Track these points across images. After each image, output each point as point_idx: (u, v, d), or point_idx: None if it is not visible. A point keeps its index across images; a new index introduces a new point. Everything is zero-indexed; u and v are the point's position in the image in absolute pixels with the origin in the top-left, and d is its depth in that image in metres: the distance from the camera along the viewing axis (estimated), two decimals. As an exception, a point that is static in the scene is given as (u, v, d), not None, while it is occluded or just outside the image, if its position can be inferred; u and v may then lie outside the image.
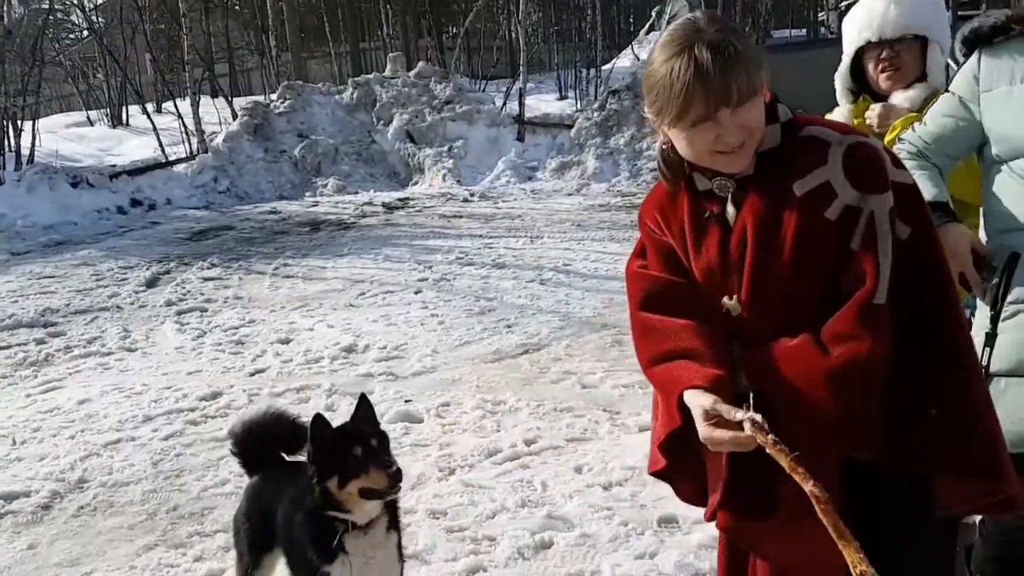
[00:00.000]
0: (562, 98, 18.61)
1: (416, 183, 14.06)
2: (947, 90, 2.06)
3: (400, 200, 12.56)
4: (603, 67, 18.52)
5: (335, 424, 2.19)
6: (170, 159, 14.06)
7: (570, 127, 14.65)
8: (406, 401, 4.48)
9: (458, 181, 13.76)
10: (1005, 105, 1.87)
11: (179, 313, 6.72)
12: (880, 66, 2.46)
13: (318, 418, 2.13)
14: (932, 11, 2.49)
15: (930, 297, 1.41)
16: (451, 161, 14.09)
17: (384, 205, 12.14)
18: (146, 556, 3.08)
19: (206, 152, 14.05)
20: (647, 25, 23.61)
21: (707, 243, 1.51)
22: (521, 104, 15.01)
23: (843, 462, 1.42)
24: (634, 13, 28.07)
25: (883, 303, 1.34)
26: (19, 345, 5.92)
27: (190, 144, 14.46)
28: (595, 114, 14.68)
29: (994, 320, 1.83)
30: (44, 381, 5.13)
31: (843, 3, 10.70)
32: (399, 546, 2.24)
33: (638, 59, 19.44)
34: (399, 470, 2.07)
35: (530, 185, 13.60)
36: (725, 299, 1.50)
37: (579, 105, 16.52)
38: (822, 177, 1.40)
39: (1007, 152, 1.87)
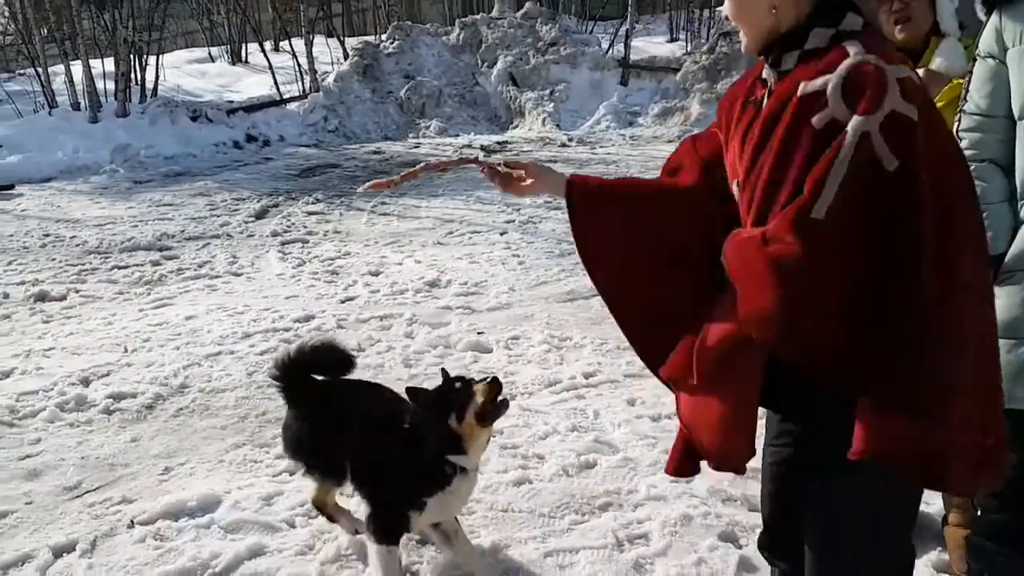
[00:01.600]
0: (672, 40, 18.21)
1: (516, 126, 14.20)
2: (977, 56, 2.05)
3: (499, 143, 12.73)
4: (718, 7, 18.01)
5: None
6: (284, 97, 14.62)
7: (676, 71, 14.39)
8: (478, 333, 4.73)
9: (557, 125, 13.80)
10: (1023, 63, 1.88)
11: (283, 243, 7.17)
12: (893, 18, 2.49)
13: (410, 388, 2.41)
14: None
15: (894, 239, 1.37)
16: (552, 105, 14.13)
17: (483, 148, 12.34)
18: (234, 452, 3.45)
19: (318, 91, 14.54)
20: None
21: (740, 125, 1.60)
22: (627, 47, 14.83)
23: (766, 359, 1.52)
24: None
25: (821, 218, 1.35)
26: (136, 266, 6.49)
27: (303, 83, 14.98)
28: (703, 57, 14.36)
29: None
30: (156, 299, 5.64)
31: None
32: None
33: None
34: (496, 378, 2.35)
35: (630, 131, 13.52)
36: (734, 184, 1.61)
37: (688, 48, 16.17)
38: (822, 84, 1.42)
39: (1019, 109, 1.90)
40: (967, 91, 2.05)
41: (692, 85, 14.05)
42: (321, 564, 2.67)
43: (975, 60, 2.04)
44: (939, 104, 2.35)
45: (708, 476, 3.02)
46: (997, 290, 1.92)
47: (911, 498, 1.62)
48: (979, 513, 2.15)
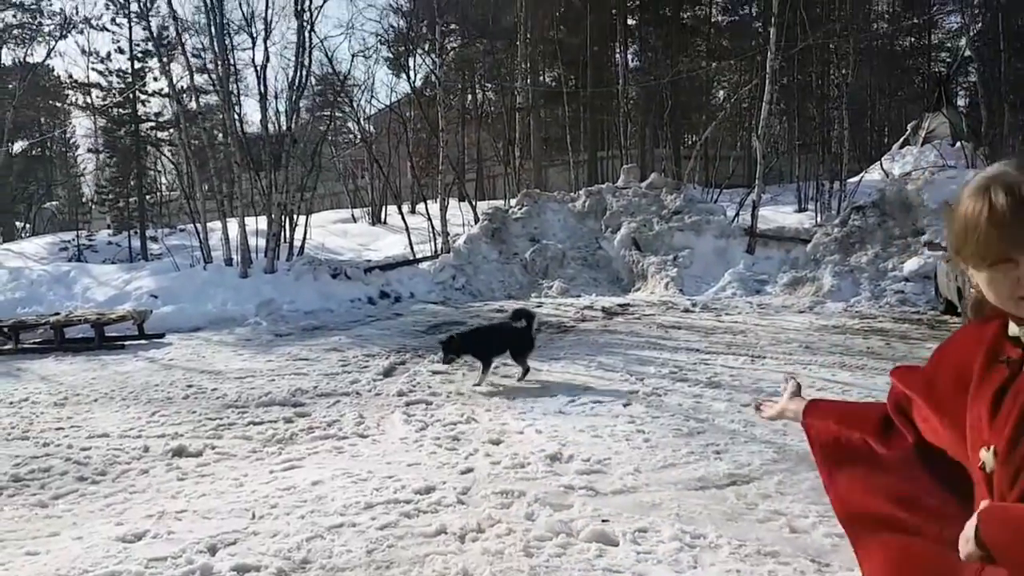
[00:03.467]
0: (800, 210, 18.18)
1: (638, 289, 14.27)
2: None
3: (620, 306, 12.78)
4: (848, 180, 17.88)
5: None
6: (417, 257, 15.33)
7: (806, 241, 14.26)
8: (603, 521, 4.54)
9: (680, 290, 13.78)
10: None
11: (408, 404, 7.27)
12: None
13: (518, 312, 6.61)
14: None
15: None
16: (675, 270, 14.18)
17: (604, 310, 12.41)
18: (350, 641, 3.35)
19: (448, 252, 15.17)
20: (900, 140, 22.57)
21: (987, 385, 1.50)
22: (754, 216, 14.88)
23: None
24: (887, 126, 26.94)
25: None
26: (270, 422, 6.70)
27: (435, 243, 15.70)
28: (835, 229, 14.21)
29: None
30: (286, 459, 5.76)
31: None
32: None
33: (887, 175, 18.62)
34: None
35: (757, 299, 13.32)
36: (983, 450, 1.47)
37: (818, 219, 16.07)
38: None
39: None
40: None
41: (823, 256, 13.84)
42: None
43: None
44: None
45: None
46: None
47: None
48: None
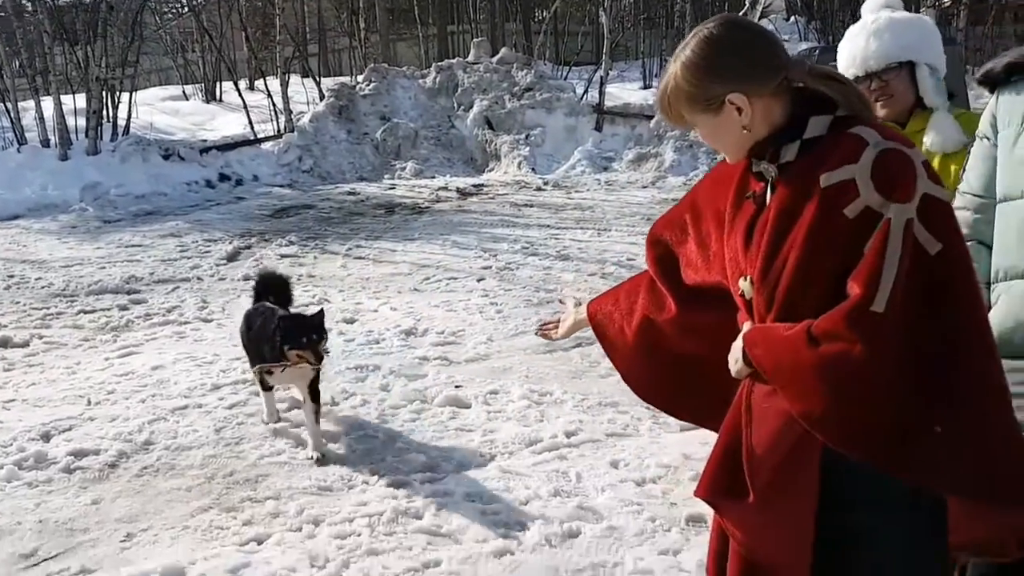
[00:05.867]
0: (645, 87, 18.44)
1: (492, 169, 14.21)
2: (976, 136, 2.04)
3: (474, 186, 12.73)
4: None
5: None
6: (258, 136, 14.54)
7: (650, 118, 14.53)
8: (456, 387, 4.62)
9: (533, 169, 13.84)
10: (1009, 147, 1.87)
11: (255, 288, 7.02)
12: (873, 96, 2.48)
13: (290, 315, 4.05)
14: (914, 34, 2.50)
15: (953, 316, 1.38)
16: (527, 148, 14.18)
17: (458, 190, 12.32)
18: (199, 517, 3.30)
19: (292, 131, 14.48)
20: (739, 14, 23.12)
21: (739, 221, 1.59)
22: (601, 93, 14.96)
23: (823, 451, 1.44)
24: (728, 2, 27.49)
25: (882, 311, 1.34)
26: (103, 310, 6.31)
27: (278, 122, 14.92)
28: (676, 106, 14.55)
29: None
30: (123, 346, 5.47)
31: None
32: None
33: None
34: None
35: (605, 176, 13.58)
36: (741, 280, 1.56)
37: (662, 95, 16.37)
38: (848, 174, 1.41)
39: (999, 193, 1.90)
40: (964, 170, 2.03)
41: (665, 132, 14.18)
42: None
43: (974, 137, 2.02)
44: None
45: (697, 549, 2.95)
46: None
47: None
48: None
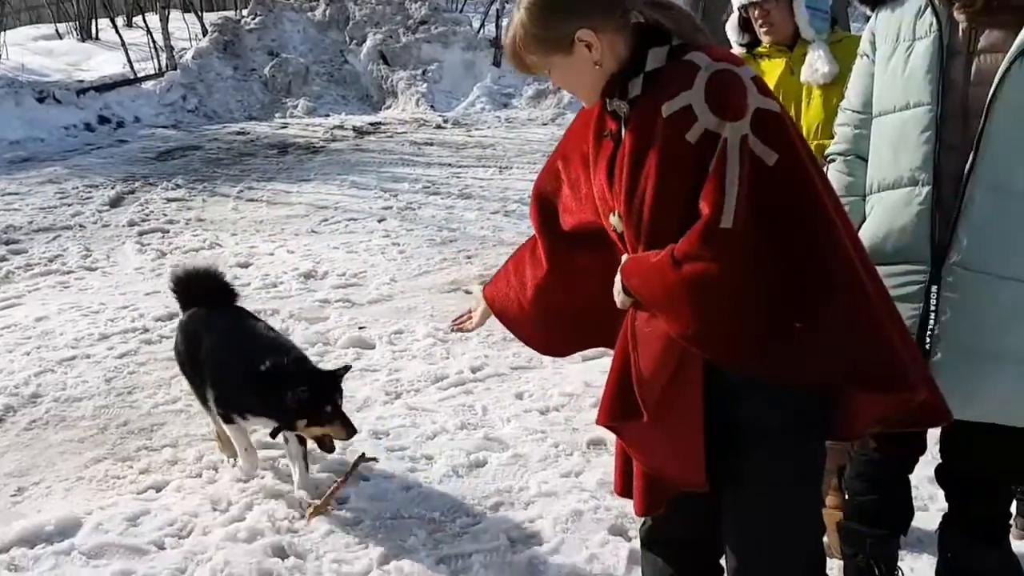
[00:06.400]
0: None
1: (389, 107, 13.91)
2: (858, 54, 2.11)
3: (372, 124, 12.45)
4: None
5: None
6: (139, 76, 13.78)
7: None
8: (360, 328, 4.57)
9: (432, 106, 13.62)
10: (885, 63, 1.95)
11: (141, 234, 6.73)
12: (757, 24, 2.65)
13: (313, 370, 2.92)
14: None
15: (799, 220, 1.45)
16: (425, 85, 13.92)
17: (355, 129, 12.03)
18: (94, 468, 3.19)
19: (175, 69, 13.78)
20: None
21: (601, 159, 1.63)
22: (498, 27, 14.76)
23: (705, 365, 1.51)
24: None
25: (730, 227, 1.40)
26: (-21, 262, 5.94)
27: (159, 60, 14.17)
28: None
29: None
30: (3, 298, 5.17)
31: None
32: None
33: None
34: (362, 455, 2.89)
35: (505, 113, 13.50)
36: (611, 216, 1.61)
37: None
38: (685, 100, 1.46)
39: (875, 108, 1.99)
40: (847, 87, 2.11)
41: (564, 67, 14.17)
42: (197, 587, 2.50)
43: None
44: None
45: (598, 469, 3.05)
46: None
47: (816, 497, 1.67)
48: (847, 497, 2.22)
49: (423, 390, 3.83)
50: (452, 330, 2.21)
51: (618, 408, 1.59)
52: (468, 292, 2.25)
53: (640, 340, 1.56)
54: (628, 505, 2.82)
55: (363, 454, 2.98)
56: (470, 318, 2.14)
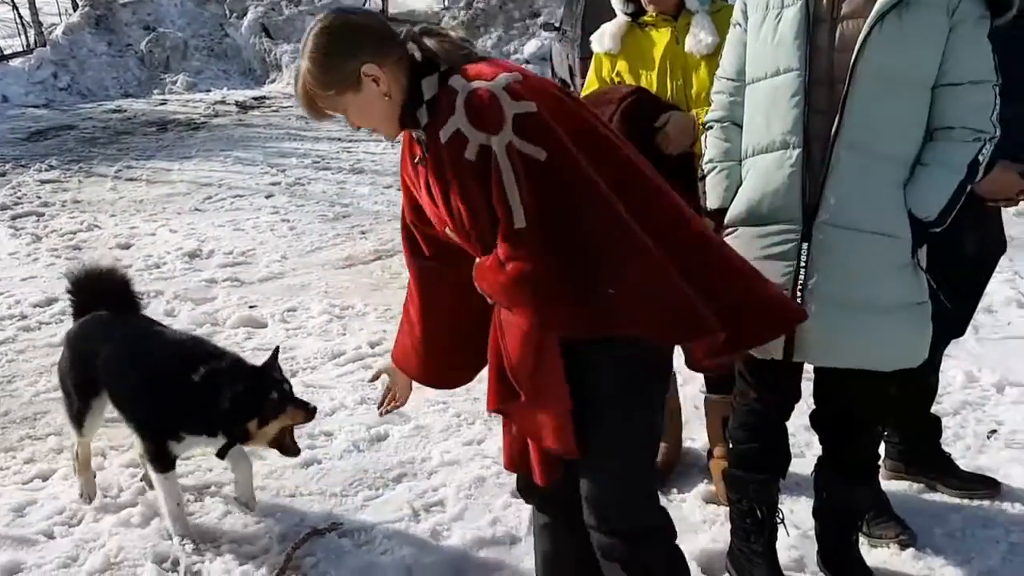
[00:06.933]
0: (430, -5, 18.07)
1: (273, 81, 13.53)
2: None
3: (255, 99, 12.09)
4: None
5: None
6: (4, 53, 12.98)
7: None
8: (250, 307, 4.48)
9: (319, 81, 13.33)
10: (756, 31, 2.04)
11: (14, 217, 6.40)
12: None
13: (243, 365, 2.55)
14: None
15: (580, 205, 1.58)
16: (311, 60, 13.60)
17: (238, 104, 11.66)
18: (-26, 461, 3.03)
19: (44, 45, 13.01)
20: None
21: (420, 184, 1.76)
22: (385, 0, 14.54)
23: (562, 347, 1.65)
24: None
25: (524, 226, 1.55)
26: None
27: (27, 36, 13.37)
28: (461, 12, 14.39)
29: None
30: None
31: None
32: None
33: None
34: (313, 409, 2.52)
35: (395, 87, 13.32)
36: (447, 230, 1.75)
37: (446, 2, 16.12)
38: (454, 125, 1.59)
39: (748, 75, 2.08)
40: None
41: (453, 41, 14.06)
42: (88, 575, 2.42)
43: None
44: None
45: (498, 436, 3.09)
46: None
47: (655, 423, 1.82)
48: (730, 445, 2.34)
49: (320, 367, 3.79)
50: (382, 414, 2.22)
51: (501, 393, 1.72)
52: (375, 378, 2.23)
53: (506, 329, 1.69)
54: (528, 467, 2.92)
55: (320, 527, 2.63)
56: (395, 397, 2.16)
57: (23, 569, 2.46)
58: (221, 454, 2.52)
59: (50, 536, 2.60)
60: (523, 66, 1.88)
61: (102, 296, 2.82)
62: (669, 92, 2.55)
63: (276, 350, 2.58)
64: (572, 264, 1.58)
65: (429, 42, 1.67)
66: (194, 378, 2.39)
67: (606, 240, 1.59)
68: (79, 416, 2.71)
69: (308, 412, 2.48)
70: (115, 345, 2.64)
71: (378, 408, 2.19)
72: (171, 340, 2.68)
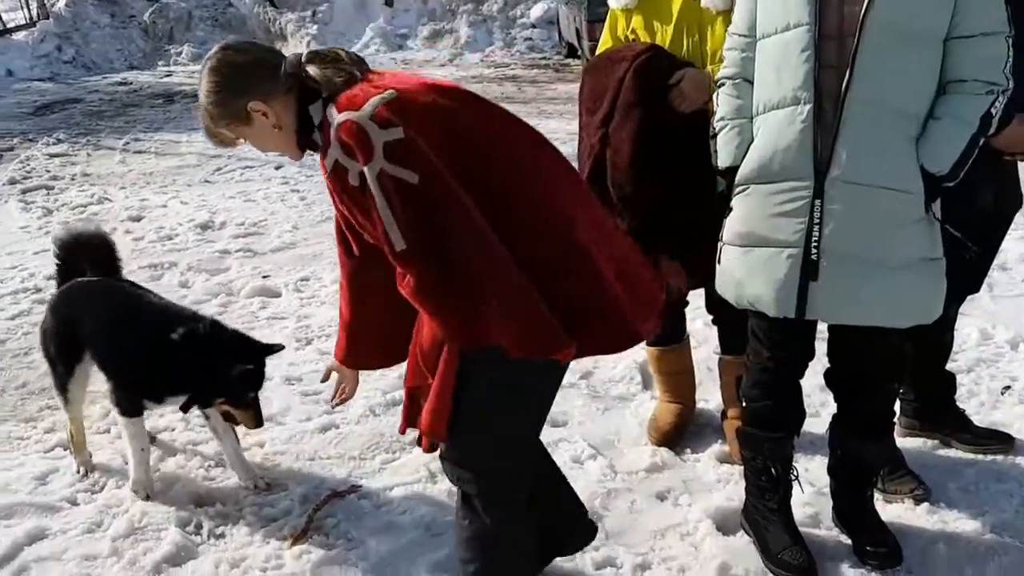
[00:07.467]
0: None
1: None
2: None
3: (262, 70, 12.02)
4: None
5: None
6: (8, 27, 12.92)
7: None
8: (264, 277, 4.50)
9: (324, 50, 13.25)
10: None
11: (24, 191, 6.42)
12: None
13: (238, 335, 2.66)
14: None
15: (449, 225, 1.64)
16: (315, 27, 13.52)
17: (245, 76, 11.59)
18: (-5, 431, 3.08)
19: (47, 18, 12.95)
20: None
21: (333, 196, 1.86)
22: (390, -33, 14.39)
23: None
24: None
25: (405, 247, 1.63)
26: None
27: (29, 10, 13.31)
28: (467, -22, 14.25)
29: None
30: None
31: None
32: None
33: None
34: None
35: (401, 55, 13.25)
36: (365, 235, 1.84)
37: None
38: (333, 156, 1.67)
39: (759, 30, 2.06)
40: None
41: (458, 6, 13.93)
42: (113, 540, 2.46)
43: None
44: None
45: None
46: (734, 201, 2.12)
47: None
48: (744, 404, 2.35)
49: (334, 335, 3.79)
50: (334, 407, 2.35)
51: (419, 375, 1.87)
52: (324, 380, 2.26)
53: (419, 325, 1.84)
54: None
55: (340, 490, 2.70)
56: (344, 390, 2.25)
57: (48, 535, 2.50)
58: (185, 408, 2.56)
59: (74, 503, 2.65)
60: (414, 72, 1.93)
61: (88, 259, 2.84)
62: (685, 48, 2.52)
63: (279, 347, 2.73)
64: (452, 280, 1.66)
65: (312, 70, 1.74)
66: (173, 337, 2.46)
67: (472, 263, 1.66)
68: (63, 383, 2.75)
69: (257, 424, 2.59)
70: (99, 309, 2.70)
71: (330, 402, 2.32)
72: (153, 303, 2.73)
